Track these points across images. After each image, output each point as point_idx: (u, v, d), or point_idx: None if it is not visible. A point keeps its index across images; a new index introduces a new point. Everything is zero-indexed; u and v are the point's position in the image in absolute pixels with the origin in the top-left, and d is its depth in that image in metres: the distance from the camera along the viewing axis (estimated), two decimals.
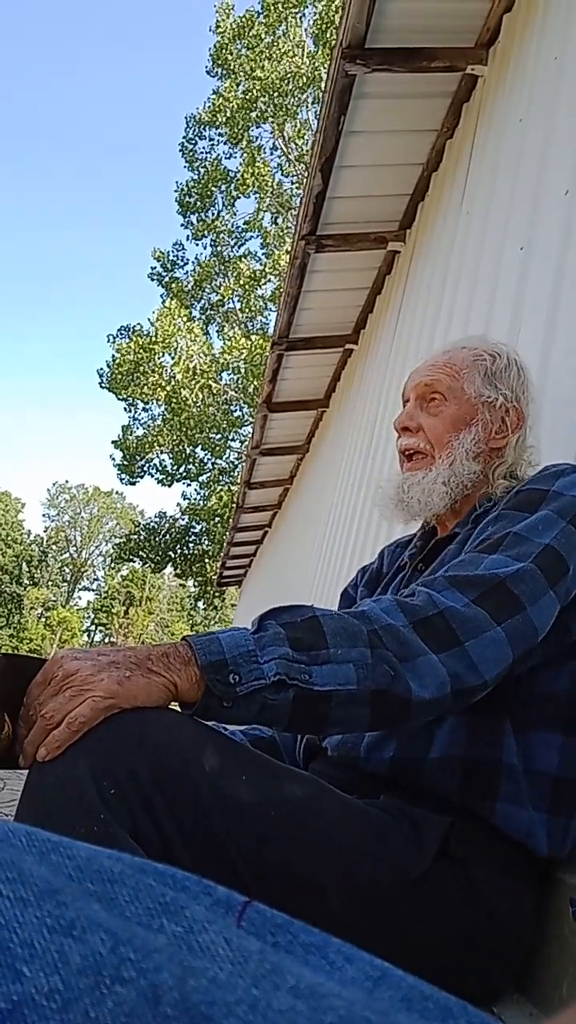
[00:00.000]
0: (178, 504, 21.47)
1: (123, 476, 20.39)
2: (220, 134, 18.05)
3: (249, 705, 0.81)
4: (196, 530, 21.46)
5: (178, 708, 0.84)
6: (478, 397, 1.23)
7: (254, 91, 16.81)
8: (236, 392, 18.06)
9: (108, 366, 18.81)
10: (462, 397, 1.24)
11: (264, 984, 0.29)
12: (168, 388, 17.73)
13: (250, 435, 7.88)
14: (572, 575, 1.00)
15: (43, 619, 46.09)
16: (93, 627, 49.07)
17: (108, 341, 18.84)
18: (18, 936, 0.29)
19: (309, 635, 0.85)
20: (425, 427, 1.25)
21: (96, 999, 0.27)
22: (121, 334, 18.76)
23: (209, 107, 17.84)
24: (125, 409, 19.60)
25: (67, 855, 0.35)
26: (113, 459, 20.39)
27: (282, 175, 17.98)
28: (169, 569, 23.24)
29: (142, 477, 20.34)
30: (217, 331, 19.31)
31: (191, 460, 19.93)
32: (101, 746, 0.76)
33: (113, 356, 18.60)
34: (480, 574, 0.96)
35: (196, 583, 23.47)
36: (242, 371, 17.61)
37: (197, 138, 18.65)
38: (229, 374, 18.16)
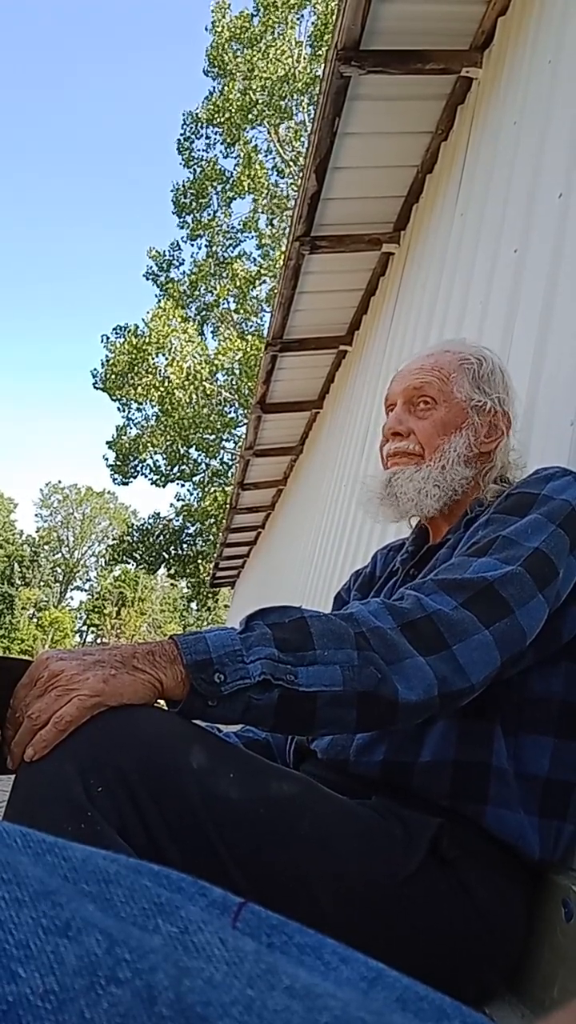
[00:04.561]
0: (172, 505, 21.46)
1: (116, 476, 20.36)
2: (217, 133, 18.05)
3: (234, 704, 0.81)
4: (190, 531, 21.45)
5: (164, 706, 0.85)
6: (467, 401, 1.22)
7: (250, 92, 16.81)
8: (230, 393, 18.06)
9: (102, 366, 18.78)
10: (452, 401, 1.22)
11: (259, 984, 0.29)
12: (162, 389, 17.72)
13: (244, 436, 7.88)
14: (562, 579, 1.00)
15: (35, 620, 45.95)
16: (85, 628, 48.99)
17: (102, 342, 18.82)
18: (13, 937, 0.29)
19: (296, 636, 0.85)
20: (416, 430, 1.23)
21: (91, 1000, 0.27)
22: (115, 334, 18.73)
23: (207, 107, 17.83)
24: (119, 409, 19.59)
25: (62, 856, 0.35)
26: (106, 459, 20.39)
27: (278, 176, 18.00)
28: (162, 570, 23.24)
29: (135, 477, 20.35)
30: (212, 332, 19.31)
31: (185, 461, 19.92)
32: (88, 744, 0.76)
33: (107, 356, 18.57)
34: (469, 577, 0.95)
35: (189, 584, 23.48)
36: (236, 372, 17.61)
37: (194, 136, 18.64)
38: (224, 375, 18.16)
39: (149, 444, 19.43)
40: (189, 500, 21.17)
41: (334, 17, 2.96)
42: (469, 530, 1.14)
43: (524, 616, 0.94)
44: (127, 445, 19.73)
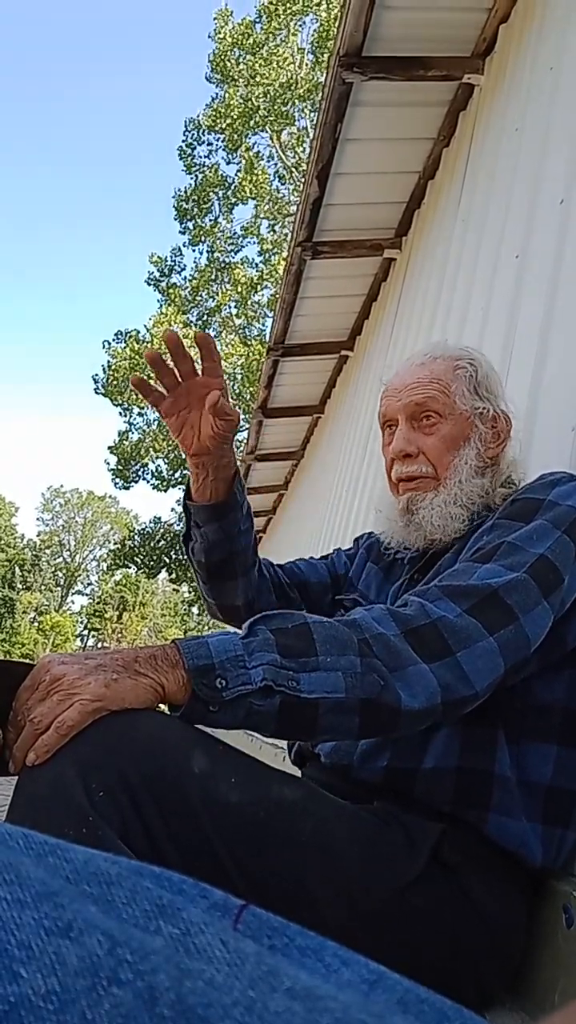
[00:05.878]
0: (173, 509, 21.48)
1: (118, 481, 20.37)
2: (219, 138, 18.10)
3: (235, 710, 0.81)
4: None
5: (166, 711, 0.84)
6: (472, 410, 1.20)
7: (252, 99, 16.87)
8: (232, 398, 18.06)
9: (103, 372, 18.80)
10: (456, 412, 1.20)
11: (260, 986, 0.30)
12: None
13: (245, 440, 7.88)
14: (567, 586, 0.99)
15: (36, 624, 45.94)
16: (86, 632, 48.98)
17: (103, 347, 18.84)
18: (15, 938, 0.29)
19: (299, 642, 0.85)
20: (424, 449, 1.20)
21: (93, 1001, 0.27)
22: (117, 339, 18.76)
23: (209, 113, 17.89)
24: (120, 414, 19.61)
25: (64, 857, 0.35)
26: (108, 464, 20.40)
27: (279, 182, 18.05)
28: (164, 574, 23.22)
29: (137, 482, 20.35)
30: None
31: (186, 466, 19.90)
32: (89, 749, 0.76)
33: (108, 362, 18.59)
34: (473, 584, 0.95)
35: (191, 588, 23.45)
36: (238, 377, 17.64)
37: (196, 143, 18.69)
38: (225, 380, 18.17)
39: (151, 449, 19.44)
40: None
41: (336, 24, 2.97)
42: (475, 535, 1.14)
43: (529, 623, 0.93)
44: (129, 450, 19.75)
